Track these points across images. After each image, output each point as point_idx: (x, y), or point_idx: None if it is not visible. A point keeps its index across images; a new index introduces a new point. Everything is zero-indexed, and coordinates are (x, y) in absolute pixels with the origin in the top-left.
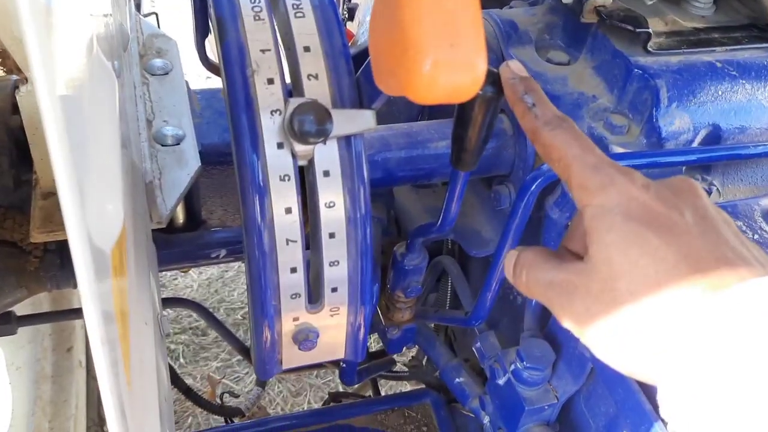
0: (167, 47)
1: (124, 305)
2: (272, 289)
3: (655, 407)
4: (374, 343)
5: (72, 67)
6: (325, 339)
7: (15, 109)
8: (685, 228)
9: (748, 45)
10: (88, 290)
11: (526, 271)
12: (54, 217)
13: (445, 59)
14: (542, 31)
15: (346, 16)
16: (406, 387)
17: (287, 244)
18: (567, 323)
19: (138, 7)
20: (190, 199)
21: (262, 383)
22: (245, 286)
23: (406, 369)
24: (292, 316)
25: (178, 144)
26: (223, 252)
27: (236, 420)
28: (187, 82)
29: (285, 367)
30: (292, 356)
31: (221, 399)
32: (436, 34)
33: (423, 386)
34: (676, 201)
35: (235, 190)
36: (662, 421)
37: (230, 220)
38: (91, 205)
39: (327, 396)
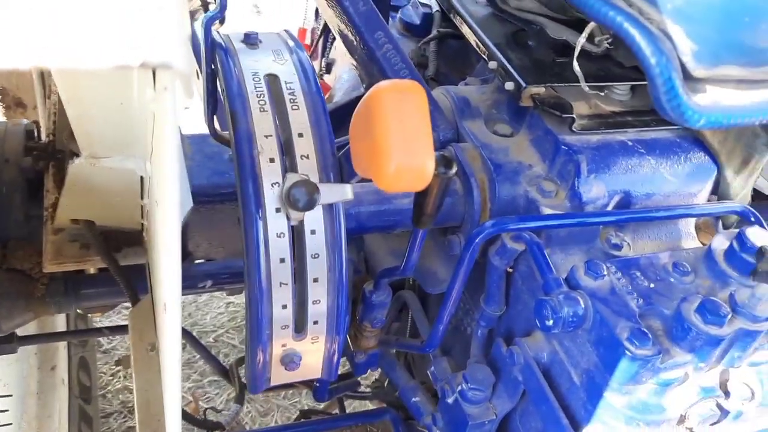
0: None
1: None
2: (267, 320)
3: (570, 420)
4: (341, 367)
5: None
6: (306, 361)
7: (26, 151)
8: None
9: (655, 127)
10: (173, 345)
11: None
12: (64, 250)
13: (405, 164)
14: (490, 107)
15: (324, 70)
16: (369, 406)
17: (280, 286)
18: None
19: None
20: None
21: (240, 400)
22: (217, 311)
23: (370, 390)
24: (281, 343)
25: None
26: (209, 282)
27: None
28: (179, 127)
29: (272, 383)
30: (278, 375)
31: (204, 414)
32: (398, 146)
33: (384, 405)
34: None
35: (220, 226)
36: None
37: (215, 253)
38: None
39: (293, 416)
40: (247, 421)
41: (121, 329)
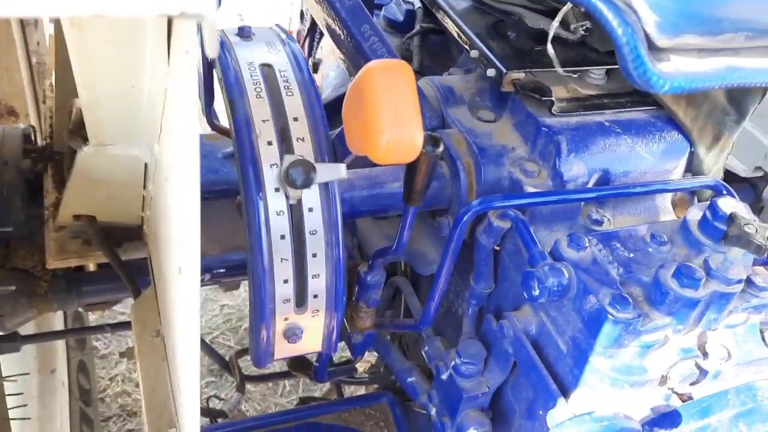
0: None
1: None
2: (269, 295)
3: (559, 386)
4: (339, 356)
5: None
6: (308, 335)
7: (24, 153)
8: None
9: (630, 108)
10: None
11: None
12: (66, 247)
13: (395, 137)
14: (474, 94)
15: (311, 69)
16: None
17: (281, 261)
18: None
19: None
20: None
21: (241, 388)
22: (212, 314)
23: (366, 375)
24: (284, 317)
25: None
26: (206, 276)
27: (220, 420)
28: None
29: (276, 357)
30: (282, 349)
31: (207, 402)
32: (388, 121)
33: (380, 389)
34: None
35: (216, 222)
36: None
37: (211, 249)
38: None
39: None
40: None
41: (122, 326)
